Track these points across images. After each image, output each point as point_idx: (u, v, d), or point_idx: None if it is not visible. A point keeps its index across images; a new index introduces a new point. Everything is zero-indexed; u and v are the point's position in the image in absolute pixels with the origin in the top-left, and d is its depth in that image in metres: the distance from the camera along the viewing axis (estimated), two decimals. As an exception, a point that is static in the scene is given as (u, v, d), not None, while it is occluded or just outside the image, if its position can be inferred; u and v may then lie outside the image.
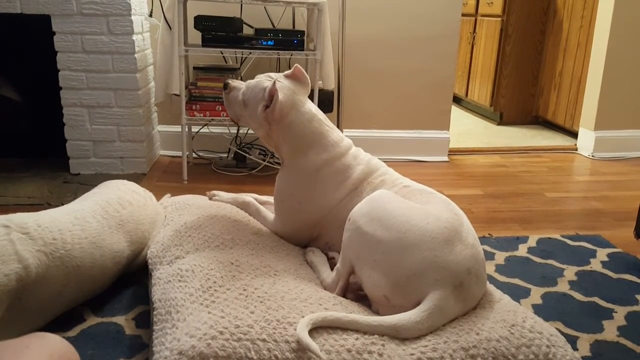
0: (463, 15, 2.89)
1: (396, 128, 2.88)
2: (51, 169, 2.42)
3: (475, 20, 4.13)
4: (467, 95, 4.30)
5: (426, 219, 1.12)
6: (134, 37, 2.28)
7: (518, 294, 1.51)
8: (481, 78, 4.05)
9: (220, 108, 2.38)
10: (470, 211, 2.14)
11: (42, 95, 2.44)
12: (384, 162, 1.47)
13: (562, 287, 1.57)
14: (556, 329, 1.14)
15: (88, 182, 2.25)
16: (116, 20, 2.23)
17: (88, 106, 2.33)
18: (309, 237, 1.46)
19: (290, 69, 1.43)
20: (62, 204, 1.44)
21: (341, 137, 1.43)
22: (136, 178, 2.30)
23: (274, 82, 1.34)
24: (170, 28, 2.34)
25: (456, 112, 4.21)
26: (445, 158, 2.93)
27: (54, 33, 2.22)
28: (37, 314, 1.20)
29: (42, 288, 1.17)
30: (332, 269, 1.29)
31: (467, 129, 3.75)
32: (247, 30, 2.46)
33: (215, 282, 1.13)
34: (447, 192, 1.39)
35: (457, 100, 4.47)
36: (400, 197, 1.21)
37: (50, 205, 1.98)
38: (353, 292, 1.23)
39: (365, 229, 1.14)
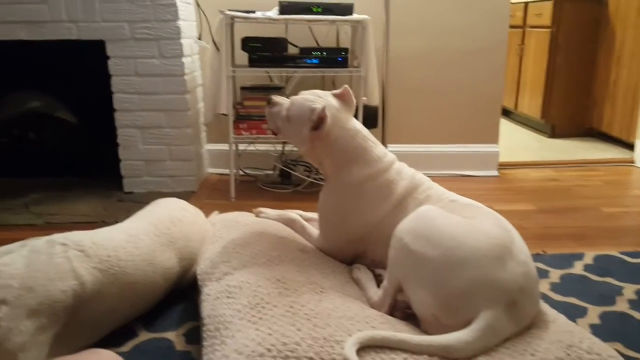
0: (511, 27, 2.83)
1: (443, 142, 2.84)
2: (105, 188, 2.51)
3: (524, 31, 4.05)
4: (516, 107, 4.20)
5: (475, 235, 1.09)
6: (184, 59, 2.36)
7: (574, 313, 1.44)
8: (531, 90, 3.95)
9: (266, 126, 2.41)
10: (522, 227, 2.07)
11: (96, 117, 2.55)
12: (430, 177, 1.45)
13: (621, 306, 1.49)
14: (615, 350, 1.08)
15: (141, 200, 2.32)
16: (167, 44, 2.32)
17: (140, 127, 2.42)
18: (354, 253, 1.45)
19: (334, 86, 1.45)
20: (116, 222, 1.49)
21: (384, 152, 1.42)
22: (186, 196, 2.36)
23: (324, 107, 1.34)
24: (219, 50, 2.41)
25: (505, 125, 4.12)
26: (495, 172, 2.87)
27: (108, 57, 2.33)
28: (92, 330, 1.24)
29: (96, 304, 1.20)
30: (378, 287, 1.28)
31: (517, 142, 3.65)
32: (292, 50, 2.50)
33: (262, 299, 1.14)
34: (497, 208, 1.36)
35: (506, 112, 4.37)
36: (447, 213, 1.18)
37: (104, 223, 2.05)
38: (401, 310, 1.21)
39: (412, 246, 1.12)
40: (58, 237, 1.22)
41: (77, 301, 1.15)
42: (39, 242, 1.20)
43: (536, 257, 1.70)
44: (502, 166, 2.94)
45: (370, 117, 2.48)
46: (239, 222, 1.59)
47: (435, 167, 2.80)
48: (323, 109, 1.34)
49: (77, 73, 2.46)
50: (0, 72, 2.55)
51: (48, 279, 1.12)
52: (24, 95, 2.68)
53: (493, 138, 2.86)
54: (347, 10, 2.31)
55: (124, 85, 2.36)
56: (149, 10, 2.27)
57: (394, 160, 1.43)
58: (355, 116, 1.50)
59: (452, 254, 1.07)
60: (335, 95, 1.43)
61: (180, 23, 2.31)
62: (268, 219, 1.61)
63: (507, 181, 2.77)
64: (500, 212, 1.25)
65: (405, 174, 1.40)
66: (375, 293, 1.26)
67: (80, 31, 2.28)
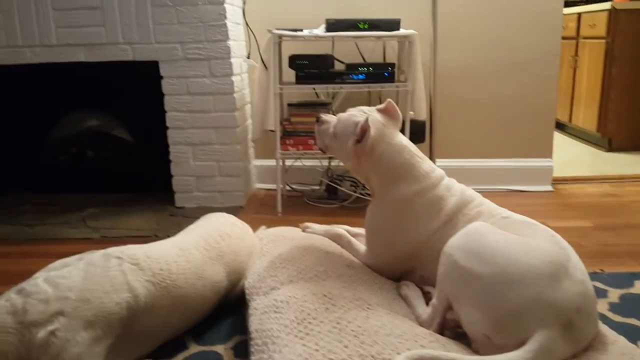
0: (563, 38, 2.76)
1: (494, 157, 2.78)
2: (158, 203, 2.59)
3: (577, 43, 3.93)
4: (570, 120, 4.06)
5: (529, 253, 1.06)
6: (233, 78, 2.42)
7: (635, 335, 1.36)
8: (586, 102, 3.82)
9: (312, 142, 2.43)
10: (578, 244, 1.99)
11: (150, 134, 2.64)
12: (481, 192, 1.41)
13: (690, 330, 1.40)
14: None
15: (191, 215, 2.37)
16: (217, 64, 2.38)
17: (191, 144, 2.49)
18: (402, 270, 1.43)
19: (381, 101, 1.44)
20: (168, 236, 1.52)
21: (433, 168, 1.40)
22: (234, 211, 2.39)
23: (367, 119, 1.35)
24: (267, 68, 2.46)
25: (560, 138, 3.99)
26: (549, 187, 2.77)
27: (161, 77, 2.41)
28: (145, 342, 1.27)
29: (149, 316, 1.23)
30: (427, 304, 1.25)
31: (572, 157, 3.53)
32: (338, 66, 2.52)
33: (309, 314, 1.14)
34: (551, 224, 1.31)
35: (560, 126, 4.23)
36: (498, 229, 1.15)
37: (157, 237, 2.11)
38: (451, 329, 1.18)
39: (462, 263, 1.10)
40: (113, 250, 1.27)
41: (131, 313, 1.18)
42: (96, 256, 1.24)
43: (594, 276, 1.63)
44: (557, 181, 2.84)
45: (418, 132, 2.46)
46: (286, 236, 1.60)
47: (486, 182, 2.74)
48: (366, 121, 1.34)
49: (132, 92, 2.56)
50: (60, 92, 2.68)
51: (103, 292, 1.16)
52: (83, 115, 2.81)
53: (547, 152, 2.77)
54: (394, 25, 2.31)
55: (176, 103, 2.44)
56: (200, 32, 2.34)
57: (443, 175, 1.41)
58: (402, 131, 1.49)
59: (505, 271, 1.04)
60: (380, 111, 1.43)
61: (230, 43, 2.37)
62: (314, 234, 1.61)
63: (562, 197, 2.67)
64: (555, 229, 1.21)
65: (454, 189, 1.37)
66: (424, 311, 1.23)
67: (136, 52, 2.38)
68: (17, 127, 2.81)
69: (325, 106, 2.54)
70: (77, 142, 2.80)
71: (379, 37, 2.40)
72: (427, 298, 1.30)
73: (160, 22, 2.34)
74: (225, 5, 2.32)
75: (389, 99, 1.44)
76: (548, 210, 2.46)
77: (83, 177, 2.78)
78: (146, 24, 2.34)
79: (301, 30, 2.38)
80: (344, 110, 1.50)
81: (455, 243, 1.14)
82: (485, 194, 1.43)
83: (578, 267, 1.08)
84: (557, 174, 2.84)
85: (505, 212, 1.31)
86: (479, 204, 1.34)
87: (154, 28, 2.35)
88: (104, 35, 2.36)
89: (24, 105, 2.76)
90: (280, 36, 2.35)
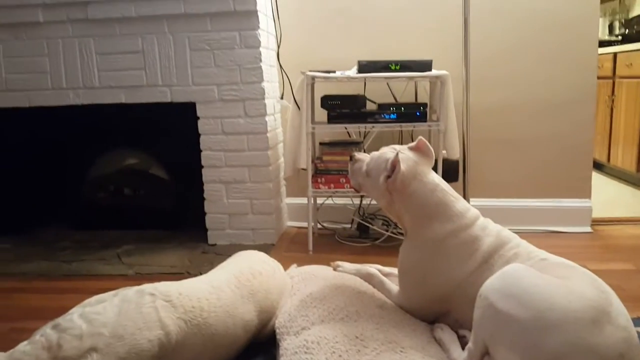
0: (599, 78, 2.72)
1: (530, 196, 2.73)
2: (191, 240, 2.62)
3: (613, 82, 3.88)
4: (609, 160, 3.97)
5: (568, 296, 1.02)
6: (267, 118, 2.47)
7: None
8: (624, 142, 3.73)
9: (344, 180, 2.44)
10: (620, 288, 1.91)
11: (184, 172, 2.70)
12: (517, 233, 1.38)
13: None
14: None
15: (223, 252, 2.39)
16: (252, 104, 2.44)
17: (225, 182, 2.53)
18: (436, 312, 1.39)
19: (413, 140, 1.45)
20: (201, 273, 1.54)
21: (467, 208, 1.38)
22: (266, 248, 2.40)
23: (397, 154, 1.36)
24: (299, 108, 2.50)
25: (598, 178, 3.89)
26: (588, 229, 2.69)
27: (198, 118, 2.48)
28: (175, 379, 1.26)
29: (180, 354, 1.23)
30: (463, 348, 1.21)
31: (611, 197, 3.43)
32: (370, 106, 2.54)
33: (340, 356, 1.12)
34: (591, 267, 1.27)
35: (598, 166, 4.13)
36: (536, 272, 1.12)
37: (189, 274, 2.13)
38: (487, 375, 1.14)
39: (499, 306, 1.06)
40: (147, 287, 1.28)
41: (162, 351, 1.19)
42: (130, 292, 1.26)
43: (637, 322, 1.55)
44: (596, 222, 2.76)
45: (451, 171, 2.44)
46: (317, 275, 1.59)
47: (523, 223, 2.68)
48: (396, 156, 1.35)
49: (169, 131, 2.64)
50: (101, 131, 2.78)
51: (137, 328, 1.16)
52: (122, 153, 2.90)
53: (585, 192, 2.70)
54: (426, 66, 2.33)
55: (211, 143, 2.50)
56: (236, 74, 2.42)
57: (478, 215, 1.39)
58: (435, 170, 1.49)
59: (543, 316, 1.00)
60: (411, 148, 1.43)
61: (265, 85, 2.44)
62: (346, 273, 1.60)
63: (602, 238, 2.59)
64: (595, 271, 1.17)
65: (490, 230, 1.35)
66: (460, 355, 1.20)
67: (174, 94, 2.46)
68: (59, 165, 2.92)
69: (356, 145, 2.55)
70: (115, 180, 2.88)
71: (410, 78, 2.42)
72: (463, 342, 1.26)
73: (198, 66, 2.42)
74: (261, 49, 2.39)
75: (420, 137, 1.45)
76: (587, 253, 2.38)
77: (120, 214, 2.85)
78: (185, 67, 2.43)
79: (334, 71, 2.43)
80: (376, 150, 1.51)
81: (491, 285, 1.11)
82: (522, 234, 1.40)
83: (621, 312, 1.04)
84: (596, 214, 2.76)
85: (543, 253, 1.27)
86: (515, 245, 1.31)
87: (192, 71, 2.43)
88: (144, 78, 2.46)
89: (65, 143, 2.87)
90: (313, 77, 2.40)
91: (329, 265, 1.69)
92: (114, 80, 2.48)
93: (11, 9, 2.42)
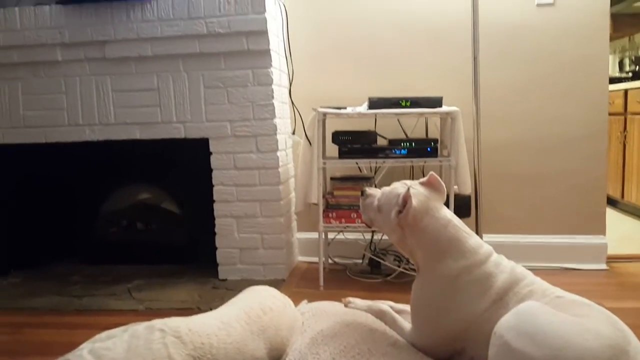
0: (610, 114, 2.73)
1: (543, 233, 2.70)
2: (202, 275, 2.61)
3: (625, 118, 3.87)
4: (623, 196, 3.93)
5: (585, 335, 1.00)
6: (279, 153, 2.49)
7: None
8: (638, 178, 3.70)
9: (355, 215, 2.44)
10: (638, 327, 1.86)
11: (195, 206, 2.71)
12: (531, 270, 1.36)
13: None
14: None
15: (234, 288, 2.38)
16: (264, 140, 2.47)
17: (236, 216, 2.54)
18: (450, 350, 1.37)
19: (424, 176, 1.45)
20: (211, 309, 1.53)
21: (480, 244, 1.37)
22: (276, 284, 2.38)
23: (408, 189, 1.36)
24: (311, 144, 2.52)
25: (612, 215, 3.85)
26: (604, 266, 2.64)
27: (210, 153, 2.51)
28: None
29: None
30: (477, 389, 1.18)
31: (627, 234, 3.38)
32: (381, 141, 2.56)
33: (352, 396, 1.10)
34: (608, 305, 1.24)
35: (612, 202, 4.09)
36: (552, 310, 1.10)
37: (200, 310, 2.11)
38: (503, 417, 1.10)
39: (514, 345, 1.04)
40: (157, 322, 1.27)
41: (171, 388, 1.17)
42: (140, 328, 1.25)
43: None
44: (612, 259, 2.71)
45: (463, 206, 2.43)
46: (328, 312, 1.57)
47: (536, 259, 2.64)
48: (407, 191, 1.35)
49: (182, 166, 2.67)
50: (114, 166, 2.82)
51: (146, 364, 1.15)
52: (134, 188, 2.93)
53: (599, 228, 2.67)
54: (436, 103, 2.35)
55: (223, 178, 2.52)
56: (248, 111, 2.46)
57: (491, 251, 1.37)
58: (447, 205, 1.48)
59: (559, 354, 0.98)
60: (422, 184, 1.43)
61: (277, 121, 2.47)
62: (357, 310, 1.58)
63: (618, 275, 2.54)
64: (611, 309, 1.14)
65: (504, 266, 1.33)
66: (474, 395, 1.17)
67: (187, 130, 2.50)
68: (72, 199, 2.95)
69: (367, 180, 2.56)
70: (128, 214, 2.90)
71: (421, 114, 2.45)
72: (477, 382, 1.23)
73: (212, 102, 2.47)
74: (273, 87, 2.44)
75: (431, 172, 1.45)
76: (603, 290, 2.33)
77: (132, 249, 2.85)
78: (198, 104, 2.48)
79: (344, 108, 2.46)
80: (387, 185, 1.51)
81: (506, 323, 1.09)
82: (536, 271, 1.38)
83: (639, 351, 1.01)
84: (611, 251, 2.72)
85: (559, 291, 1.25)
86: (530, 283, 1.29)
87: (205, 108, 2.48)
88: (159, 115, 2.51)
89: (78, 178, 2.91)
90: (325, 114, 2.43)
91: (340, 301, 1.67)
92: (129, 117, 2.53)
93: (31, 48, 2.50)
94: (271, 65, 2.42)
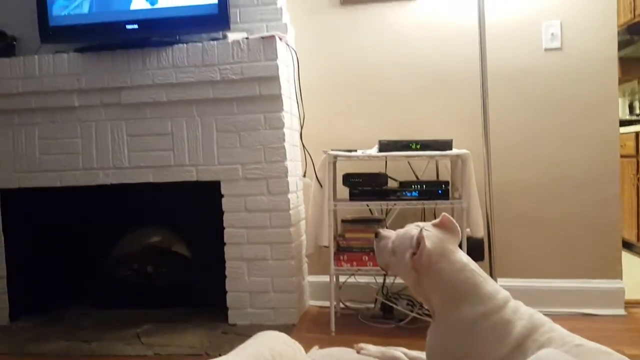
0: (622, 156, 2.72)
1: (558, 277, 2.65)
2: (211, 320, 2.57)
3: (638, 161, 3.85)
4: (639, 240, 3.86)
5: (607, 385, 0.96)
6: (290, 195, 2.50)
7: None
8: (653, 220, 3.65)
9: (366, 258, 2.41)
10: (663, 376, 1.80)
11: (206, 249, 2.70)
12: (547, 315, 1.33)
13: None
14: None
15: (244, 333, 2.33)
16: (275, 182, 2.48)
17: (247, 259, 2.52)
18: (466, 400, 1.32)
19: (435, 218, 1.44)
20: (220, 354, 1.50)
21: (497, 289, 1.35)
22: (287, 329, 2.34)
23: (421, 230, 1.35)
24: (321, 186, 2.53)
25: (629, 259, 3.77)
26: (622, 311, 2.57)
27: (222, 196, 2.52)
28: None
29: None
30: None
31: (644, 277, 3.30)
32: (391, 184, 2.56)
33: None
34: (628, 352, 1.20)
35: (627, 245, 4.02)
36: (572, 358, 1.06)
37: (208, 356, 2.08)
38: None
39: (533, 394, 1.01)
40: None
41: None
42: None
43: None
44: (630, 304, 2.64)
45: (476, 250, 2.40)
46: (340, 358, 1.54)
47: (552, 305, 2.58)
48: (420, 232, 1.33)
49: (192, 208, 2.68)
50: (127, 209, 2.84)
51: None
52: (145, 231, 2.94)
53: (616, 273, 2.61)
54: (447, 145, 2.36)
55: (234, 220, 2.52)
56: (260, 154, 2.48)
57: (509, 297, 1.34)
58: (460, 248, 1.46)
59: (581, 405, 0.95)
60: (435, 225, 1.42)
61: (288, 163, 2.49)
62: (370, 356, 1.54)
63: (638, 321, 2.46)
64: (632, 357, 1.11)
65: (522, 313, 1.30)
66: None
67: (200, 173, 2.53)
68: (82, 243, 2.96)
69: (379, 223, 2.55)
70: (138, 258, 2.89)
71: (431, 156, 2.45)
72: None
73: (224, 146, 2.50)
74: (284, 130, 2.47)
75: (444, 213, 1.44)
76: (623, 336, 2.27)
77: (142, 293, 2.83)
78: (211, 148, 2.51)
79: (355, 150, 2.48)
80: (397, 228, 1.50)
81: (524, 371, 1.06)
82: (552, 317, 1.35)
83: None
84: (629, 296, 2.65)
85: (578, 339, 1.22)
86: (549, 330, 1.26)
87: (217, 151, 2.51)
88: (172, 158, 2.54)
89: (89, 221, 2.92)
90: (335, 156, 2.44)
91: (352, 347, 1.64)
92: (142, 160, 2.56)
93: (49, 94, 2.56)
94: (282, 110, 2.46)
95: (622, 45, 4.09)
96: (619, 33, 2.76)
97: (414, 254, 1.36)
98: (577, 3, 2.60)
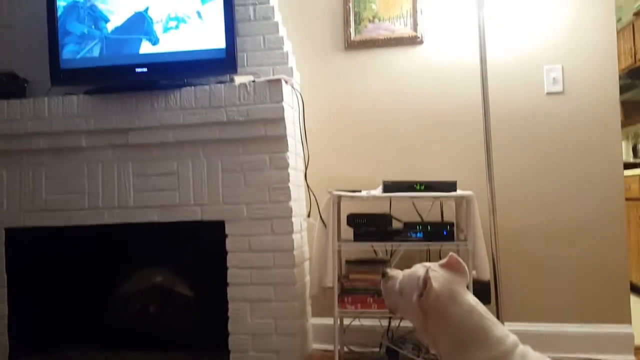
0: (627, 199, 2.72)
1: (566, 321, 2.60)
2: (213, 363, 2.52)
3: (642, 203, 3.85)
4: (646, 283, 3.80)
5: None
6: (294, 235, 2.49)
7: None
8: (660, 263, 3.60)
9: (371, 300, 2.38)
10: None
11: (208, 290, 2.67)
12: (556, 360, 1.30)
13: None
14: None
15: (245, 377, 2.29)
16: (279, 222, 2.48)
17: (250, 300, 2.49)
18: None
19: (440, 259, 1.43)
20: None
21: (507, 333, 1.32)
22: (291, 373, 2.30)
23: (427, 270, 1.33)
24: (326, 226, 2.53)
25: (638, 302, 3.70)
26: (632, 357, 2.51)
27: (226, 235, 2.52)
28: None
29: None
30: None
31: (654, 322, 3.23)
32: (396, 224, 2.56)
33: None
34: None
35: (636, 289, 3.95)
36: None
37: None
38: None
39: None
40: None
41: None
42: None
43: None
44: (640, 349, 2.59)
45: (482, 293, 2.36)
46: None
47: (560, 349, 2.52)
48: (426, 272, 1.32)
49: (196, 248, 2.67)
50: (130, 249, 2.83)
51: None
52: (148, 271, 2.91)
53: (625, 317, 2.56)
54: (451, 187, 2.37)
55: (238, 260, 2.51)
56: (264, 193, 2.49)
57: (517, 342, 1.31)
58: (466, 291, 1.45)
59: None
60: (442, 266, 1.41)
61: (292, 203, 2.49)
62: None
63: (650, 367, 2.40)
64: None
65: (531, 357, 1.27)
66: None
67: (204, 213, 2.53)
68: (84, 283, 2.93)
69: (383, 263, 2.52)
70: (141, 298, 2.86)
71: (436, 198, 2.46)
72: None
73: (229, 186, 2.52)
74: (289, 170, 2.49)
75: (451, 253, 1.43)
76: (636, 383, 2.20)
77: (144, 334, 2.79)
78: (216, 188, 2.52)
79: (359, 191, 2.49)
80: (402, 269, 1.49)
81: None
82: (562, 362, 1.32)
83: None
84: (639, 341, 2.59)
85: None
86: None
87: (222, 191, 2.52)
88: (177, 198, 2.55)
89: (92, 260, 2.90)
90: (339, 197, 2.45)
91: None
92: (148, 200, 2.57)
93: (58, 135, 2.60)
94: (287, 150, 2.49)
95: (624, 89, 4.16)
96: (620, 77, 2.81)
97: (421, 295, 1.34)
98: (577, 48, 2.65)
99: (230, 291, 2.51)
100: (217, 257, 2.54)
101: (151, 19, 2.57)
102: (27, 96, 2.72)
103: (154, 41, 2.57)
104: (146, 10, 2.57)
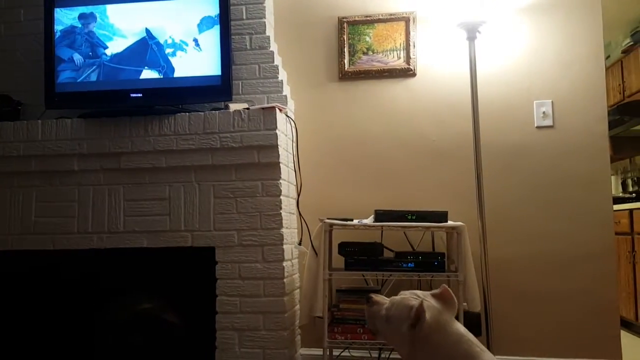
0: (617, 233, 2.73)
1: (557, 356, 2.57)
2: (199, 393, 2.46)
3: (633, 238, 3.86)
4: (637, 319, 3.79)
5: None
6: (284, 263, 2.47)
7: None
8: (651, 298, 3.60)
9: (361, 330, 2.35)
10: None
11: (196, 317, 2.62)
12: (547, 393, 1.29)
13: None
14: None
15: (231, 408, 2.23)
16: (270, 250, 2.46)
17: (238, 329, 2.45)
18: None
19: (431, 289, 1.42)
20: None
21: (494, 361, 1.31)
22: (277, 405, 2.24)
23: (422, 302, 1.33)
24: (317, 254, 2.51)
25: (628, 338, 3.68)
26: (624, 393, 2.49)
27: (216, 262, 2.49)
28: None
29: None
30: None
31: (645, 358, 3.21)
32: (387, 254, 2.55)
33: None
34: None
35: (626, 324, 3.94)
36: None
37: None
38: None
39: None
40: None
41: None
42: None
43: None
44: (633, 386, 2.56)
45: (473, 324, 2.34)
46: None
47: (551, 384, 2.49)
48: (420, 304, 1.31)
49: (184, 275, 2.63)
50: (117, 274, 2.78)
51: None
52: (135, 297, 2.86)
53: (615, 352, 2.54)
54: (442, 217, 2.37)
55: (227, 288, 2.48)
56: (256, 220, 2.48)
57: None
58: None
59: None
60: (434, 296, 1.40)
61: (284, 231, 2.48)
62: None
63: (642, 404, 2.37)
64: None
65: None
66: None
67: (195, 239, 2.51)
68: (69, 309, 2.87)
69: (374, 292, 2.50)
70: (126, 326, 2.80)
71: (427, 228, 2.46)
72: None
73: (220, 212, 2.50)
74: (281, 197, 2.49)
75: (443, 284, 1.42)
76: (628, 420, 2.17)
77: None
78: (207, 214, 2.51)
79: (351, 219, 2.48)
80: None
81: None
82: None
83: None
84: (631, 377, 2.57)
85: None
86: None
87: (214, 217, 2.51)
88: (167, 223, 2.53)
89: (79, 285, 2.85)
90: (331, 225, 2.44)
91: None
92: (138, 225, 2.55)
93: (49, 158, 2.59)
94: (280, 177, 2.49)
95: (613, 124, 4.23)
96: (609, 113, 2.86)
97: (412, 325, 1.33)
98: (566, 84, 2.71)
99: (219, 320, 2.47)
100: (206, 284, 2.50)
101: (156, 46, 2.58)
102: (20, 118, 2.73)
103: (160, 71, 2.57)
104: (148, 36, 2.59)
